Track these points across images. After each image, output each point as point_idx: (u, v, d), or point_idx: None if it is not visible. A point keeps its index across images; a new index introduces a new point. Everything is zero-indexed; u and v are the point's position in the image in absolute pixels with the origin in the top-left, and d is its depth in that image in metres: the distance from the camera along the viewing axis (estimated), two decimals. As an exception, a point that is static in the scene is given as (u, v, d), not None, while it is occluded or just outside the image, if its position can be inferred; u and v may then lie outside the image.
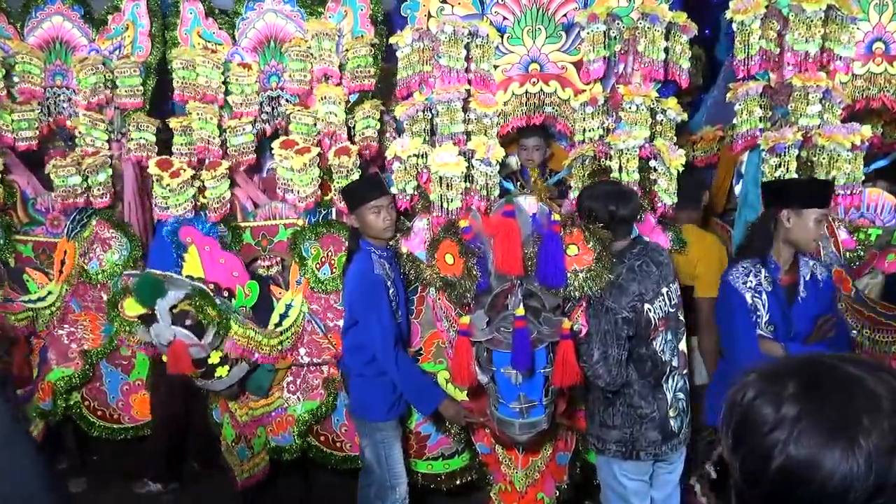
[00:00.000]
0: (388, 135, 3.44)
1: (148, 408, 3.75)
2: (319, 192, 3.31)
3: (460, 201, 2.74)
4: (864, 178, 2.93)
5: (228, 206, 3.42)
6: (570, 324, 2.44)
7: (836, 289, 2.76)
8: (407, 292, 3.00)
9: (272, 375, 3.24)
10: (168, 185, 3.30)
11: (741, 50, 2.86)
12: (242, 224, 3.51)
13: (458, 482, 3.20)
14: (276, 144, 3.30)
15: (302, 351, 3.26)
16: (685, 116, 2.88)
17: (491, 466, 3.00)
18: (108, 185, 3.64)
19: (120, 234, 3.64)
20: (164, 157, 3.43)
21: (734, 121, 3.01)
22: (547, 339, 2.41)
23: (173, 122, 3.46)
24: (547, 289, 2.51)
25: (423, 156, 2.85)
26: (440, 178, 2.72)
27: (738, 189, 3.45)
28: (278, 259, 3.50)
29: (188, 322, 2.92)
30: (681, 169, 2.78)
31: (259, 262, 3.51)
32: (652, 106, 2.75)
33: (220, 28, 3.56)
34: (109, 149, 3.68)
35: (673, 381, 2.55)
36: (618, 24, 2.73)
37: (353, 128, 3.36)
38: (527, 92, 2.87)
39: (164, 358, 3.01)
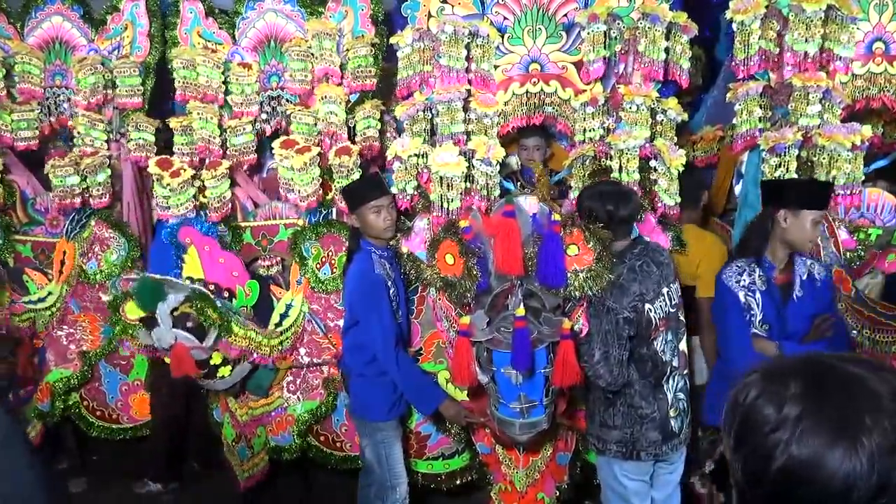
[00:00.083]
0: (388, 135, 3.44)
1: (146, 408, 3.75)
2: (321, 192, 3.31)
3: (460, 201, 2.74)
4: (864, 178, 2.93)
5: (229, 205, 3.42)
6: (570, 324, 2.44)
7: (836, 289, 2.76)
8: (407, 292, 3.00)
9: (273, 375, 3.25)
10: (168, 184, 3.30)
11: (741, 50, 2.86)
12: (242, 224, 3.51)
13: (458, 482, 3.20)
14: (276, 144, 3.30)
15: (302, 351, 3.26)
16: (685, 116, 2.88)
17: (491, 466, 3.00)
18: (107, 186, 3.64)
19: (118, 234, 3.64)
20: (164, 156, 3.43)
21: (734, 121, 3.01)
22: (547, 339, 2.41)
23: (174, 122, 3.46)
24: (547, 289, 2.51)
25: (423, 156, 2.85)
26: (440, 177, 2.72)
27: (738, 189, 3.45)
28: (278, 259, 3.50)
29: (189, 325, 2.91)
30: (681, 169, 2.78)
31: (259, 261, 3.50)
32: (652, 106, 2.75)
33: (220, 28, 3.56)
34: (108, 149, 3.68)
35: (673, 381, 2.55)
36: (618, 24, 2.73)
37: (354, 128, 3.36)
38: (527, 92, 2.87)
39: (167, 360, 3.01)
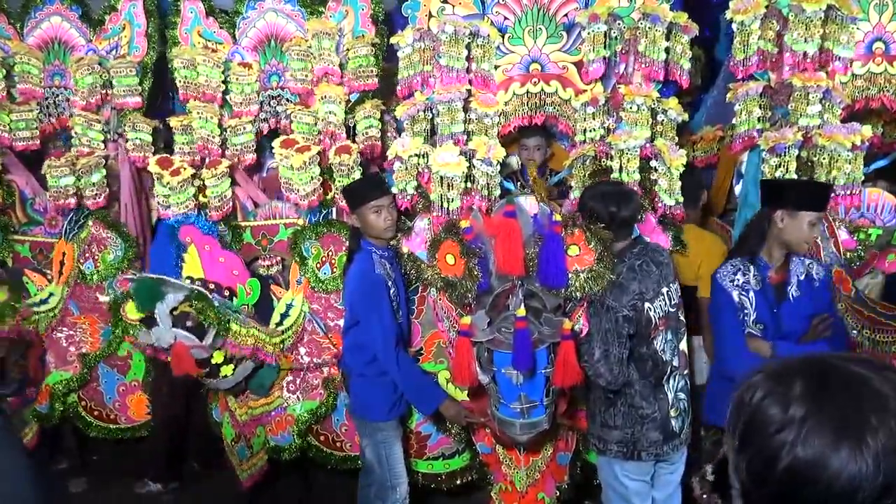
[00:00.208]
0: (388, 134, 3.43)
1: (144, 409, 3.75)
2: (321, 192, 3.31)
3: (461, 201, 2.74)
4: (864, 178, 2.93)
5: (230, 204, 3.42)
6: (570, 324, 2.44)
7: (836, 289, 2.76)
8: (408, 292, 3.00)
9: (276, 374, 3.24)
10: (168, 183, 3.30)
11: (740, 50, 2.86)
12: (243, 223, 3.51)
13: (458, 482, 3.20)
14: (276, 143, 3.30)
15: (302, 351, 3.26)
16: (686, 116, 2.89)
17: (491, 466, 3.00)
18: (102, 186, 3.62)
19: (115, 234, 3.63)
20: (163, 155, 3.43)
21: (734, 121, 3.01)
22: (548, 339, 2.41)
23: (174, 122, 3.46)
24: (548, 289, 2.52)
25: (423, 156, 2.85)
26: (441, 177, 2.72)
27: (738, 189, 3.46)
28: (278, 258, 3.50)
29: (189, 324, 2.92)
30: (681, 169, 2.78)
31: (259, 261, 3.51)
32: (653, 106, 2.76)
33: (220, 27, 3.56)
34: (106, 149, 3.67)
35: (674, 381, 2.56)
36: (619, 24, 2.73)
37: (354, 127, 3.36)
38: (528, 92, 2.87)
39: (169, 359, 3.01)
